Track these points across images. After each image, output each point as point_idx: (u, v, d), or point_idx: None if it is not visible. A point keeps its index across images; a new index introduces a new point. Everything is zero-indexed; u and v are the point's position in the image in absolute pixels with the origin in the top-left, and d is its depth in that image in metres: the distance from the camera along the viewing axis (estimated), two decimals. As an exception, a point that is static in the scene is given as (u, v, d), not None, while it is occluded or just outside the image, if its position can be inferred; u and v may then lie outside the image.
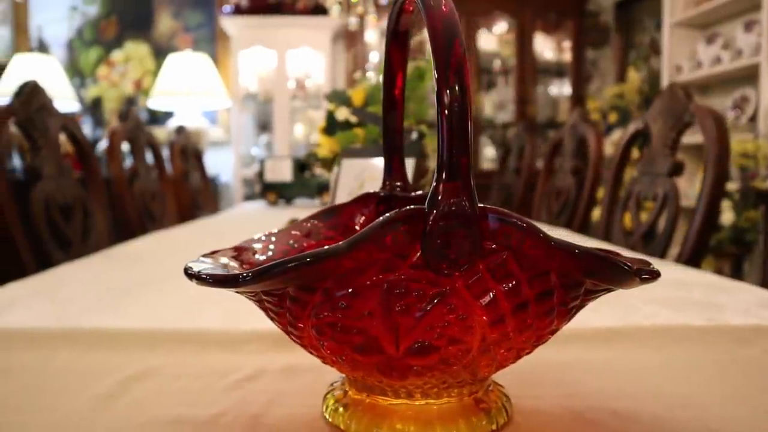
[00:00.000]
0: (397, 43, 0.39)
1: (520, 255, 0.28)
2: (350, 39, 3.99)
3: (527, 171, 2.18)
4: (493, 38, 4.08)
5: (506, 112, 4.09)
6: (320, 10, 3.78)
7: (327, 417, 0.35)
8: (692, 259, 1.04)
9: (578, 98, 3.95)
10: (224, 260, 0.35)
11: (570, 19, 3.98)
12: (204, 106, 3.84)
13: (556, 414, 0.36)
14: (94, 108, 4.12)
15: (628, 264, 0.28)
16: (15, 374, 0.44)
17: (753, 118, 2.72)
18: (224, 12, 3.86)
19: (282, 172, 2.17)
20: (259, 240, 0.40)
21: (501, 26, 4.07)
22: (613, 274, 0.28)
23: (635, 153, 2.32)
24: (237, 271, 0.29)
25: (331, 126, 1.32)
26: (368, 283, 0.28)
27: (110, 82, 4.09)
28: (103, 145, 3.34)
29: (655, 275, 0.29)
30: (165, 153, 2.06)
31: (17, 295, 0.68)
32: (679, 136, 1.18)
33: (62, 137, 1.31)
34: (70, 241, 1.21)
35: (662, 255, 1.11)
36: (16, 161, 2.82)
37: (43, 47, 4.10)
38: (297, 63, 3.95)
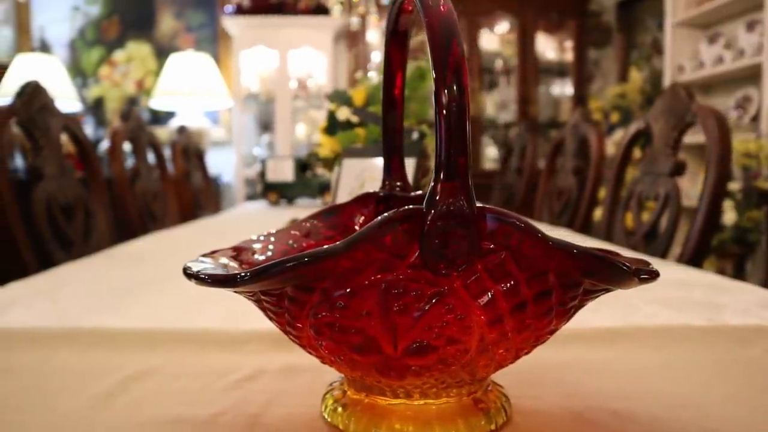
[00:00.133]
0: (396, 42, 0.39)
1: (519, 255, 0.28)
2: (352, 39, 3.99)
3: (529, 171, 2.18)
4: (494, 38, 4.08)
5: (508, 112, 4.08)
6: (322, 10, 3.78)
7: (326, 417, 0.35)
8: (694, 259, 1.04)
9: (580, 98, 3.94)
10: (223, 260, 0.35)
11: (572, 18, 3.97)
12: (206, 106, 3.84)
13: (556, 414, 0.36)
14: (96, 108, 4.12)
15: (627, 264, 0.28)
16: (15, 374, 0.44)
17: (755, 118, 2.72)
18: (226, 12, 3.86)
19: (283, 172, 2.17)
20: (258, 240, 0.40)
21: (503, 26, 4.07)
22: (611, 274, 0.28)
23: (637, 153, 2.32)
24: (235, 271, 0.29)
25: (333, 126, 1.32)
26: (366, 283, 0.28)
27: (112, 82, 4.10)
28: (105, 145, 3.35)
29: (653, 275, 0.29)
30: (167, 153, 2.06)
31: (18, 295, 0.68)
32: (681, 135, 1.18)
33: (64, 137, 1.31)
34: (72, 241, 1.21)
35: (664, 255, 1.11)
36: (19, 161, 2.82)
37: (45, 47, 4.11)
38: (299, 63, 3.95)
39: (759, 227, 2.38)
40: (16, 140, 2.54)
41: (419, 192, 0.42)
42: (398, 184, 0.43)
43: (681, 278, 0.79)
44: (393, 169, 0.43)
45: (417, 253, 0.27)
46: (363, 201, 0.44)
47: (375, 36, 3.67)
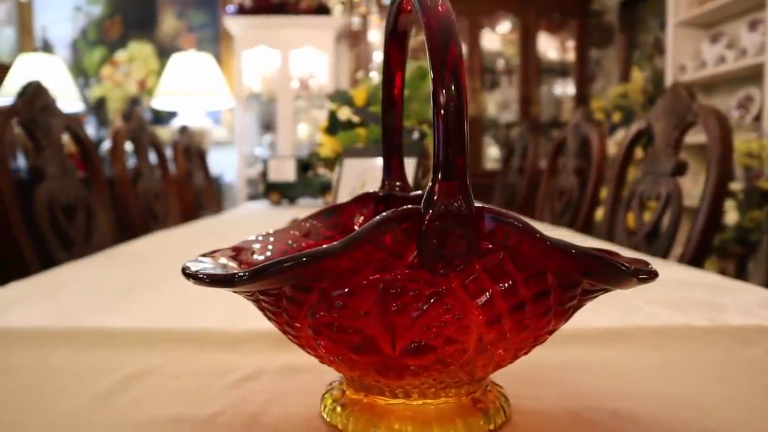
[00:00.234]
0: (395, 42, 0.39)
1: (517, 255, 0.28)
2: (353, 39, 3.99)
3: (530, 171, 2.18)
4: (496, 38, 4.08)
5: (510, 111, 4.08)
6: (323, 10, 3.78)
7: (325, 416, 0.35)
8: (695, 259, 1.04)
9: (582, 98, 3.94)
10: (223, 260, 0.35)
11: (574, 18, 3.97)
12: (208, 106, 3.84)
13: (555, 414, 0.36)
14: (98, 108, 4.13)
15: (626, 264, 0.28)
16: (15, 373, 0.44)
17: (757, 118, 2.71)
18: (228, 12, 3.87)
19: (285, 171, 2.17)
20: (257, 240, 0.40)
21: (504, 26, 4.07)
22: (610, 274, 0.28)
23: (639, 153, 2.32)
24: (234, 271, 0.29)
25: (334, 126, 1.32)
26: (364, 282, 0.28)
27: (114, 82, 4.10)
28: (107, 145, 3.35)
29: (652, 275, 0.29)
30: (168, 153, 2.07)
31: (19, 295, 0.68)
32: (682, 135, 1.18)
33: (66, 137, 1.32)
34: (73, 241, 1.21)
35: (665, 255, 1.11)
36: (22, 162, 2.83)
37: (47, 47, 4.11)
38: (300, 63, 3.95)
39: (761, 227, 2.37)
40: (19, 140, 2.54)
41: (419, 192, 0.42)
42: (398, 184, 0.43)
43: (682, 278, 0.79)
44: (392, 169, 0.43)
45: (415, 253, 0.27)
46: (362, 201, 0.44)
47: (376, 36, 3.67)
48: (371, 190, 0.44)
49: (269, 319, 0.32)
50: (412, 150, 0.93)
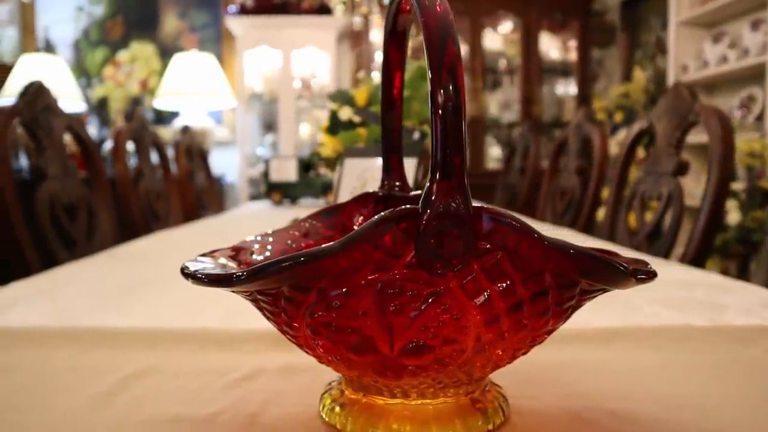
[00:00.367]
0: (395, 42, 0.39)
1: (515, 255, 0.28)
2: (355, 39, 3.99)
3: (532, 171, 2.18)
4: (498, 38, 4.08)
5: (511, 111, 4.08)
6: (325, 10, 3.78)
7: (323, 416, 0.35)
8: (697, 258, 1.03)
9: (584, 98, 3.94)
10: (222, 260, 0.35)
11: (575, 18, 3.96)
12: (209, 106, 3.85)
13: (554, 414, 0.36)
14: (101, 108, 4.14)
15: (624, 264, 0.28)
16: (15, 373, 0.44)
17: (760, 118, 2.71)
18: (230, 12, 3.87)
19: (287, 171, 2.17)
20: (256, 240, 0.40)
21: (506, 26, 4.07)
22: (608, 274, 0.28)
23: (641, 152, 2.31)
24: (232, 271, 0.29)
25: (335, 125, 1.32)
26: (362, 282, 0.28)
27: (116, 82, 4.11)
28: (109, 144, 3.36)
29: (651, 275, 0.29)
30: (170, 153, 2.07)
31: (20, 294, 0.69)
32: (684, 135, 1.17)
33: (67, 137, 1.32)
34: (75, 241, 1.22)
35: (666, 255, 1.11)
36: (24, 162, 2.83)
37: (49, 47, 4.12)
38: (302, 63, 3.95)
39: (763, 227, 2.37)
40: (21, 140, 2.55)
41: (419, 192, 0.42)
42: (397, 184, 0.43)
43: (683, 278, 0.78)
44: (392, 169, 0.43)
45: (413, 253, 0.27)
46: (362, 201, 0.44)
47: (378, 36, 3.67)
48: (371, 190, 0.44)
49: (268, 319, 0.32)
50: (412, 150, 0.93)
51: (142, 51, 4.11)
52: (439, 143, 0.26)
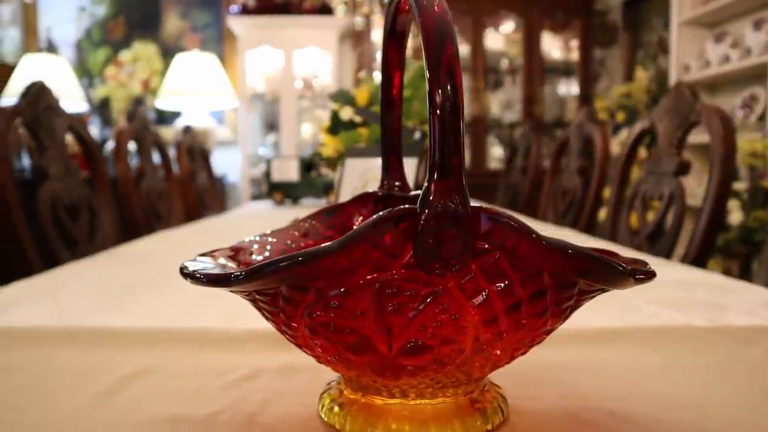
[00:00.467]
0: (394, 42, 0.39)
1: (513, 255, 0.27)
2: (357, 38, 3.99)
3: (534, 170, 2.18)
4: (500, 37, 4.07)
5: (513, 111, 4.07)
6: (327, 10, 3.79)
7: (322, 416, 0.35)
8: (698, 258, 1.03)
9: (586, 97, 3.93)
10: (221, 260, 0.35)
11: (577, 18, 3.96)
12: (211, 106, 3.85)
13: (553, 414, 0.36)
14: (103, 108, 4.14)
15: (623, 264, 0.28)
16: (15, 373, 0.44)
17: (762, 117, 2.70)
18: (231, 12, 3.87)
19: (288, 171, 2.17)
20: (256, 240, 0.40)
21: (508, 25, 4.06)
22: (606, 274, 0.28)
23: (643, 152, 2.31)
24: (230, 271, 0.29)
25: (336, 125, 1.32)
26: (360, 282, 0.28)
27: (118, 82, 4.11)
28: (111, 145, 3.36)
29: (649, 275, 0.29)
30: (172, 153, 2.07)
31: (21, 294, 0.69)
32: (686, 135, 1.17)
33: (69, 137, 1.32)
34: (77, 241, 1.22)
35: (668, 255, 1.11)
36: (27, 161, 2.84)
37: (51, 48, 4.13)
38: (304, 63, 3.96)
39: (765, 227, 2.37)
40: (23, 140, 2.55)
41: (418, 192, 0.42)
42: (397, 183, 0.43)
43: (684, 278, 0.78)
44: (392, 169, 0.43)
45: (411, 253, 0.27)
46: (362, 201, 0.44)
47: (379, 35, 3.67)
48: (371, 190, 0.44)
49: (267, 318, 0.32)
50: (413, 150, 0.93)
51: (144, 51, 4.12)
52: (437, 143, 0.26)
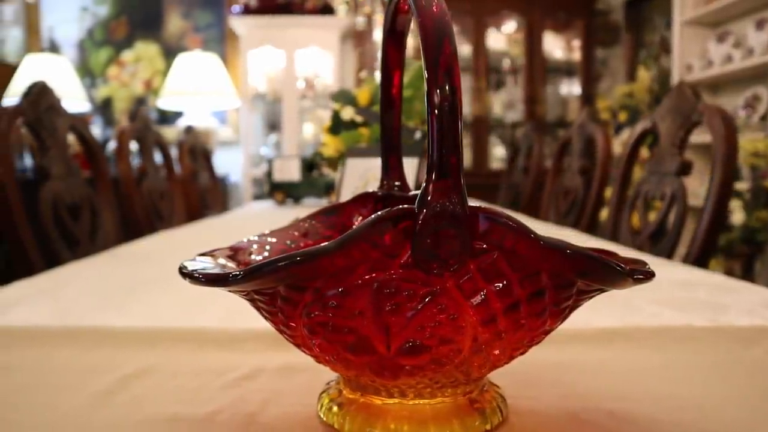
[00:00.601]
0: (393, 42, 0.39)
1: (511, 255, 0.27)
2: (359, 38, 3.99)
3: (536, 170, 2.18)
4: (502, 37, 4.07)
5: (515, 111, 4.07)
6: (329, 10, 3.79)
7: (321, 416, 0.35)
8: (700, 258, 1.03)
9: (588, 97, 3.93)
10: (221, 260, 0.35)
11: (579, 18, 3.95)
12: (213, 106, 3.85)
13: (552, 415, 0.36)
14: (105, 108, 4.15)
15: (621, 264, 0.28)
16: (16, 372, 0.44)
17: (764, 117, 2.70)
18: (233, 12, 3.88)
19: (290, 171, 2.17)
20: (255, 240, 0.40)
21: (510, 25, 4.06)
22: (605, 274, 0.28)
23: (645, 152, 2.31)
24: (228, 271, 0.29)
25: (337, 125, 1.32)
26: (359, 282, 0.28)
27: (120, 82, 4.12)
28: (112, 144, 3.37)
29: (648, 276, 0.29)
30: (174, 152, 2.07)
31: (22, 294, 0.69)
32: (687, 135, 1.17)
33: (71, 137, 1.32)
34: (78, 241, 1.22)
35: (670, 255, 1.10)
36: (29, 161, 2.84)
37: (54, 48, 4.14)
38: (306, 63, 3.96)
39: (767, 227, 2.36)
40: (26, 140, 2.56)
41: (418, 192, 0.42)
42: (396, 183, 0.43)
43: (685, 278, 0.78)
44: (391, 169, 0.43)
45: (409, 253, 0.27)
46: (362, 201, 0.44)
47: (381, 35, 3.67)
48: (371, 190, 0.44)
49: (266, 318, 0.32)
50: (414, 150, 0.93)
51: (146, 51, 4.13)
52: (435, 143, 0.26)
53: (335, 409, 0.34)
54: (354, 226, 0.43)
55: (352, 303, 0.28)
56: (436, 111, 0.26)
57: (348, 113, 1.27)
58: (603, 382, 0.42)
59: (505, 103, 4.12)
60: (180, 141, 2.19)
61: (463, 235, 0.27)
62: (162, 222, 1.79)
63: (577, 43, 4.03)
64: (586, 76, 3.98)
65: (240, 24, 3.85)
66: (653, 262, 0.90)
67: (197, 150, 2.31)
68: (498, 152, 4.11)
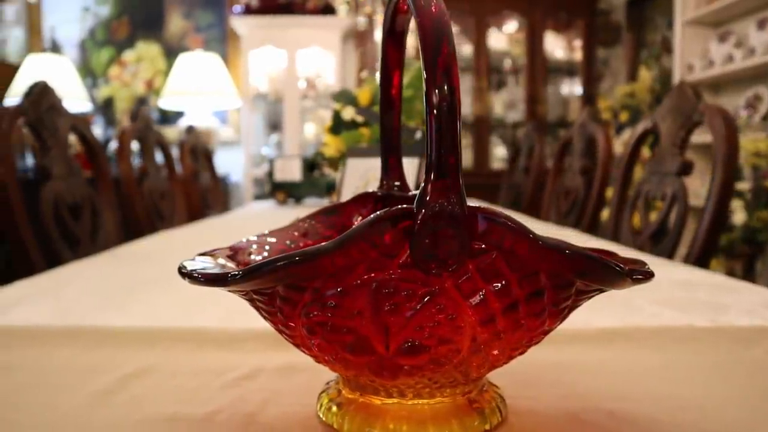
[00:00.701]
0: (393, 42, 0.39)
1: (510, 255, 0.27)
2: (360, 38, 3.99)
3: (537, 170, 2.18)
4: (503, 37, 4.07)
5: (516, 111, 4.07)
6: (330, 10, 3.79)
7: (321, 416, 0.35)
8: (701, 259, 1.03)
9: (589, 97, 3.93)
10: (221, 260, 0.35)
11: (581, 17, 3.95)
12: (214, 106, 3.86)
13: (551, 415, 0.36)
14: (106, 108, 4.15)
15: (620, 264, 0.28)
16: (16, 371, 0.44)
17: (766, 117, 2.69)
18: (235, 12, 3.88)
19: (291, 171, 2.17)
20: (255, 240, 0.40)
21: (511, 25, 4.06)
22: (604, 274, 0.28)
23: (646, 152, 2.31)
24: (227, 270, 0.29)
25: (338, 125, 1.32)
26: (357, 282, 0.28)
27: (122, 82, 4.13)
28: (114, 144, 3.37)
29: (647, 276, 0.29)
30: (175, 152, 2.07)
31: (23, 294, 0.69)
32: (688, 135, 1.17)
33: (72, 137, 1.32)
34: (79, 240, 1.22)
35: (670, 255, 1.10)
36: (31, 161, 2.85)
37: (55, 48, 4.14)
38: (307, 63, 3.96)
39: (769, 227, 2.36)
40: (27, 140, 2.56)
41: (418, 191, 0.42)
42: (396, 183, 0.43)
43: (686, 278, 0.78)
44: (391, 169, 0.43)
45: (408, 253, 0.27)
46: (362, 200, 0.44)
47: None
48: (371, 190, 0.44)
49: (265, 318, 0.32)
50: (415, 150, 0.93)
51: (147, 51, 4.13)
52: (433, 143, 0.26)
53: (334, 408, 0.34)
54: (353, 226, 0.43)
55: (351, 303, 0.28)
56: (434, 111, 0.26)
57: (349, 113, 1.27)
58: (603, 382, 0.42)
59: (506, 103, 4.12)
60: (181, 141, 2.19)
61: (462, 235, 0.27)
62: (163, 222, 1.79)
63: (578, 43, 4.02)
64: (587, 75, 3.97)
65: (241, 24, 3.85)
66: (654, 262, 0.89)
67: (198, 150, 2.32)
68: (499, 152, 4.10)
